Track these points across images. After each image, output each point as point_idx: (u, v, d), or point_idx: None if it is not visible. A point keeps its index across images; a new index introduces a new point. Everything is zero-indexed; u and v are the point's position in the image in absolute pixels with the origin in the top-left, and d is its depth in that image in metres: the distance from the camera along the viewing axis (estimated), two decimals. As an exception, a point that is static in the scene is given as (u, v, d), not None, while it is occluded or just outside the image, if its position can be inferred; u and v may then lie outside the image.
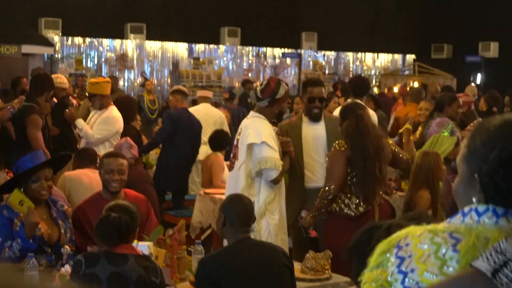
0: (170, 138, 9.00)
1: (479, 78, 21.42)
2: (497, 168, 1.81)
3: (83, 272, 3.98)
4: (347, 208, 5.82)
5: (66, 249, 4.96)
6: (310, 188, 6.44)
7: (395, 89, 18.96)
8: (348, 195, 5.85)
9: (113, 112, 8.23)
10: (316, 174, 6.43)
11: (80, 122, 8.19)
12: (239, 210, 4.47)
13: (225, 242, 4.67)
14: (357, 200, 5.82)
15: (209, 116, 9.99)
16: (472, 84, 16.06)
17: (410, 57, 23.48)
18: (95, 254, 4.18)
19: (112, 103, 8.35)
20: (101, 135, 8.05)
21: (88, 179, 6.32)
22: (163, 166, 9.09)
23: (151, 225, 5.38)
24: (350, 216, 5.79)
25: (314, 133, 6.49)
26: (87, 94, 8.66)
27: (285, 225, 5.94)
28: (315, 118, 6.48)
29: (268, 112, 5.94)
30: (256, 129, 5.78)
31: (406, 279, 1.85)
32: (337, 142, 5.88)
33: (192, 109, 9.74)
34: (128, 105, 8.66)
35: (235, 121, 11.52)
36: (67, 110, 8.37)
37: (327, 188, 5.79)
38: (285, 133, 6.35)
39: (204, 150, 9.21)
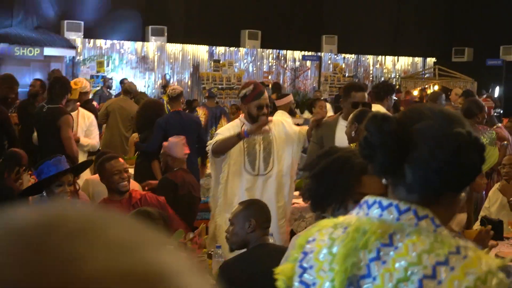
0: None
1: (498, 86, 21.29)
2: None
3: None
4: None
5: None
6: None
7: (415, 93, 18.93)
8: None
9: (85, 111, 8.52)
10: None
11: (84, 141, 8.27)
12: (265, 215, 4.54)
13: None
14: None
15: None
16: (484, 95, 15.60)
17: (431, 61, 23.43)
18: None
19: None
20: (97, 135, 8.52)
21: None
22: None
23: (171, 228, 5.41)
24: None
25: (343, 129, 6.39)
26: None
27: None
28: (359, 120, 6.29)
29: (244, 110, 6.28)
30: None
31: (304, 275, 1.84)
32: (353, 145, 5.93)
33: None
34: (156, 109, 8.61)
35: (212, 120, 11.68)
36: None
37: None
38: (320, 130, 6.37)
39: None
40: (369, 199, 1.80)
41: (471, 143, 1.75)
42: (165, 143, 6.91)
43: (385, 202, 1.77)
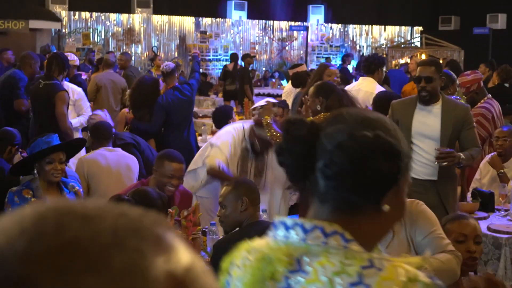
0: (168, 123, 8.31)
1: (489, 53, 21.32)
2: None
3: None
4: None
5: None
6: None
7: (401, 61, 18.90)
8: None
9: (72, 85, 8.52)
10: (417, 163, 5.60)
11: (74, 121, 8.18)
12: (255, 191, 4.54)
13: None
14: None
15: None
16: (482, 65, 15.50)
17: (418, 30, 23.39)
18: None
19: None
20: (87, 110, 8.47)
21: (105, 161, 6.32)
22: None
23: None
24: None
25: (424, 119, 5.74)
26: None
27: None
28: (423, 101, 5.70)
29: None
30: None
31: None
32: (315, 117, 5.87)
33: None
34: (152, 86, 8.38)
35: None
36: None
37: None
38: (396, 114, 5.81)
39: None
40: (276, 219, 1.62)
41: (377, 148, 1.54)
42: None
43: (289, 222, 1.59)
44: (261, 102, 6.74)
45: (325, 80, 6.79)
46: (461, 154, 5.49)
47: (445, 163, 5.45)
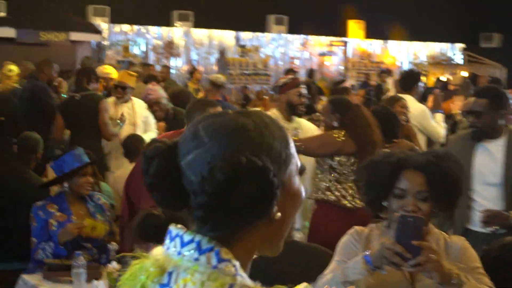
0: None
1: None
2: None
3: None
4: (344, 199, 5.81)
5: (113, 245, 4.99)
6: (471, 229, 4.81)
7: (443, 78, 18.70)
8: (344, 186, 5.83)
9: (139, 101, 8.22)
10: (477, 213, 4.71)
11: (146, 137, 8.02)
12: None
13: None
14: (351, 191, 5.80)
15: None
16: None
17: (459, 47, 23.14)
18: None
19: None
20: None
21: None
22: None
23: None
24: (346, 207, 5.77)
25: (484, 159, 4.84)
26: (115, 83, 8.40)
27: None
28: (475, 138, 4.85)
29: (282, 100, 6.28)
30: None
31: None
32: (334, 131, 5.84)
33: None
34: (185, 101, 8.36)
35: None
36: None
37: (297, 143, 5.87)
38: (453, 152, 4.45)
39: None
40: (170, 227, 1.52)
41: (242, 175, 1.41)
42: None
43: (174, 232, 1.50)
44: None
45: (386, 107, 6.58)
46: None
47: (495, 228, 4.42)
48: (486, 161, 4.74)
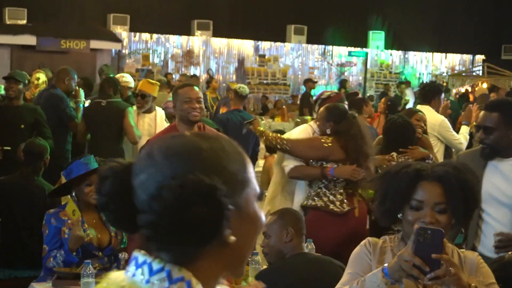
0: None
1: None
2: None
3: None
4: (332, 205, 5.82)
5: (124, 255, 4.96)
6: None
7: (462, 89, 18.60)
8: (332, 192, 5.85)
9: (162, 112, 8.15)
10: (487, 235, 4.37)
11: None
12: (300, 222, 4.42)
13: None
14: (341, 197, 5.83)
15: None
16: None
17: (480, 58, 23.02)
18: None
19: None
20: None
21: None
22: None
23: None
24: (335, 213, 5.78)
25: (495, 178, 4.40)
26: (135, 92, 8.36)
27: None
28: (485, 156, 4.39)
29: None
30: None
31: None
32: (323, 137, 5.91)
33: None
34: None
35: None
36: None
37: (284, 142, 5.94)
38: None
39: None
40: (134, 253, 1.49)
41: (189, 197, 1.38)
42: None
43: (141, 258, 1.46)
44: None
45: (402, 116, 6.52)
46: None
47: (510, 253, 3.84)
48: (497, 181, 4.35)
